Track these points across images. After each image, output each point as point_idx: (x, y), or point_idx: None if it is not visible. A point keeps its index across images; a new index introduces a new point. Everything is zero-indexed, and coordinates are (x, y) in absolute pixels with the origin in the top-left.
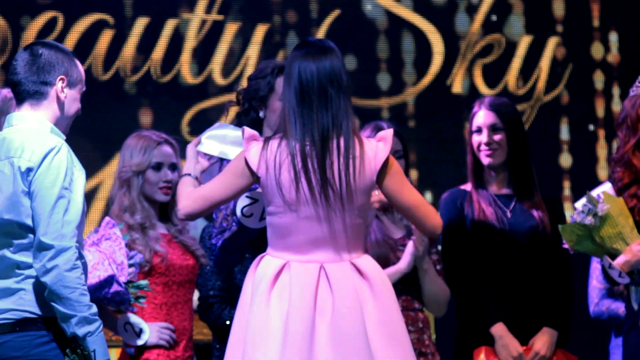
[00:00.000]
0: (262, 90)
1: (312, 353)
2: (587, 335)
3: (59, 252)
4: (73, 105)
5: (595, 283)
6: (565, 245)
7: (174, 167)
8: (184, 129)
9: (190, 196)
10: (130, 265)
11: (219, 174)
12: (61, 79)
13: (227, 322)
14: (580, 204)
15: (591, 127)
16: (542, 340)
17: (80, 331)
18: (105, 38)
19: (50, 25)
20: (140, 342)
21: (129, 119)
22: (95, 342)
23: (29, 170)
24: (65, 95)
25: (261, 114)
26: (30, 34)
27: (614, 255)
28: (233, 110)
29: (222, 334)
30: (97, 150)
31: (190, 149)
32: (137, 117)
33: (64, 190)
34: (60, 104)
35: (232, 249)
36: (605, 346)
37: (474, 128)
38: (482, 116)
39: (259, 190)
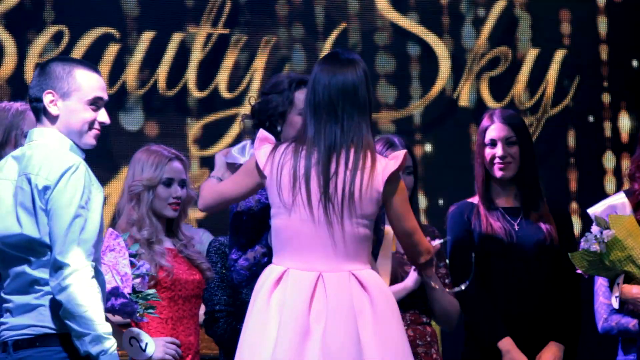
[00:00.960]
0: (282, 106)
1: None
2: (593, 351)
3: (74, 271)
4: (74, 116)
5: (602, 299)
6: (579, 271)
7: (183, 184)
8: (190, 142)
9: (209, 190)
10: (137, 276)
11: (232, 175)
12: (48, 93)
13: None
14: (596, 210)
15: (591, 119)
16: (549, 354)
17: (94, 350)
18: (111, 52)
19: (56, 39)
20: (145, 357)
21: (134, 133)
22: None
23: (46, 188)
24: (60, 108)
25: (279, 128)
26: (36, 48)
27: (628, 274)
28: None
29: (228, 349)
30: (103, 164)
31: (218, 158)
32: (143, 131)
33: (80, 209)
34: (53, 118)
35: (258, 271)
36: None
37: (486, 141)
38: (495, 129)
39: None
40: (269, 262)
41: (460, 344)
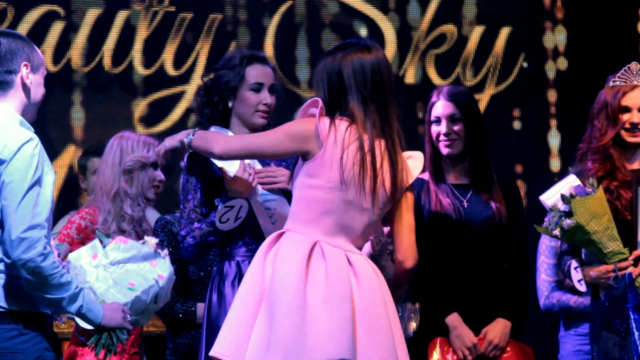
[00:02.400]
0: (233, 81)
1: (355, 328)
2: (536, 326)
3: (32, 244)
4: (39, 90)
5: (544, 276)
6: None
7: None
8: (136, 120)
9: (232, 140)
10: None
11: (269, 131)
12: (25, 65)
13: (180, 316)
14: (548, 197)
15: (535, 96)
16: (496, 330)
17: (72, 308)
18: (56, 29)
19: (0, 17)
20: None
21: (80, 111)
22: (89, 309)
23: (1, 162)
24: (31, 81)
25: (230, 104)
26: None
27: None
28: (186, 101)
29: (174, 327)
30: (47, 142)
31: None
32: (89, 108)
33: (34, 183)
34: (27, 90)
35: (205, 249)
36: (554, 337)
37: (432, 118)
38: (440, 107)
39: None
40: (215, 241)
41: None
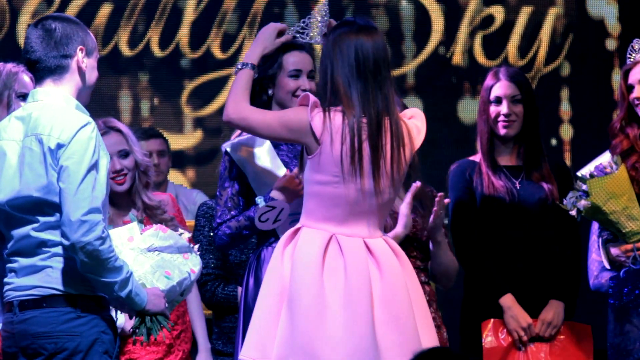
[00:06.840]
0: (271, 69)
1: (374, 329)
2: (589, 305)
3: (91, 227)
4: (93, 73)
5: (595, 256)
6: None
7: (125, 154)
8: (184, 103)
9: (239, 106)
10: None
11: (274, 112)
12: (80, 49)
13: (222, 300)
14: (581, 173)
15: (584, 77)
16: (551, 313)
17: (123, 293)
18: (104, 13)
19: (48, 0)
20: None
21: (128, 94)
22: (136, 293)
23: (60, 146)
24: (85, 65)
25: (270, 92)
26: (27, 10)
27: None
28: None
29: (218, 311)
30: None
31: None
32: (136, 92)
33: (92, 167)
34: (82, 74)
35: (238, 241)
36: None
37: (492, 98)
38: (501, 87)
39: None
40: (249, 235)
41: (455, 304)
